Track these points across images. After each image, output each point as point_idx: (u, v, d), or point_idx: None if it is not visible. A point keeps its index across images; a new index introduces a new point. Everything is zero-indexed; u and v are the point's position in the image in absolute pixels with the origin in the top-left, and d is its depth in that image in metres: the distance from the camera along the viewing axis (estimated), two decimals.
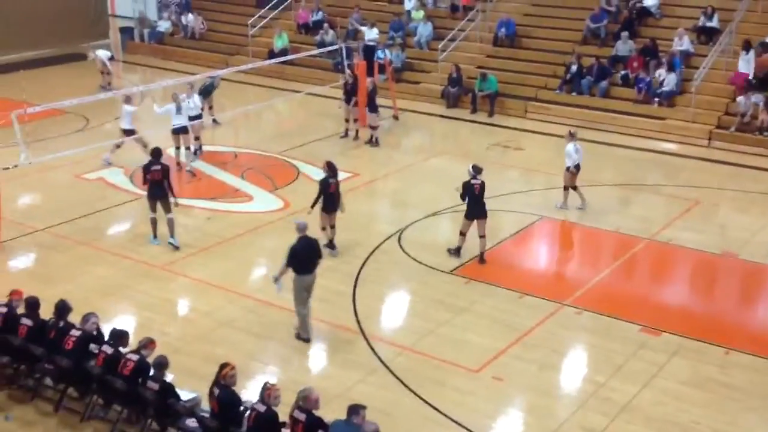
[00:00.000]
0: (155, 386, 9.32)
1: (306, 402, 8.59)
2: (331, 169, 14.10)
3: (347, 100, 20.71)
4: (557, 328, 12.27)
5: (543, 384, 11.01)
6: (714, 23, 22.82)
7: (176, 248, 14.34)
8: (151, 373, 9.45)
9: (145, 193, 14.84)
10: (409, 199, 17.15)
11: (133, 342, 10.08)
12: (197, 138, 18.84)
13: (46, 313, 10.59)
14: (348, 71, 21.19)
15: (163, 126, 18.40)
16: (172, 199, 14.34)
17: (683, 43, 22.47)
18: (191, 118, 18.24)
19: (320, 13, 27.81)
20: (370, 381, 10.93)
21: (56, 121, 21.00)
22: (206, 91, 20.34)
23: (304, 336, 11.75)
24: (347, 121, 20.76)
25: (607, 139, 20.95)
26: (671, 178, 18.70)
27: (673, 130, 21.11)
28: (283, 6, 29.10)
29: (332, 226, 14.19)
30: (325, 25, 27.00)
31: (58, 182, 17.59)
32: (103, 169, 18.18)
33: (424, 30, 25.77)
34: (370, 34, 25.05)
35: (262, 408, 8.66)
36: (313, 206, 14.04)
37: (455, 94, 23.57)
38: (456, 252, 14.28)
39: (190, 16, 29.92)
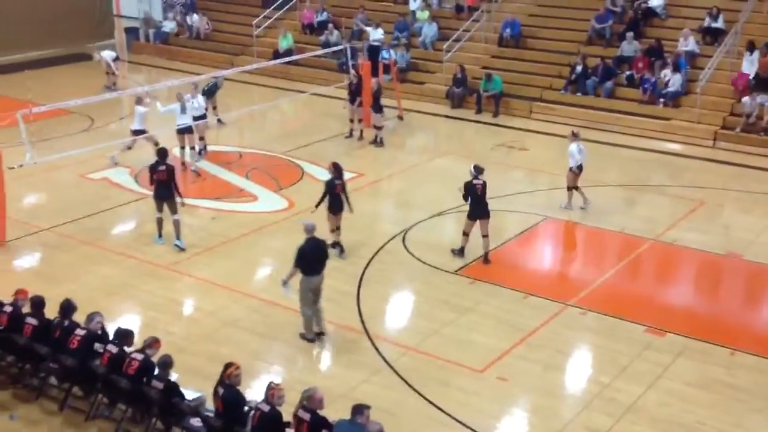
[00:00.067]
0: (160, 385, 9.33)
1: (310, 402, 8.60)
2: (337, 170, 14.09)
3: (352, 101, 20.72)
4: (562, 329, 12.25)
5: (547, 384, 10.99)
6: (719, 24, 22.79)
7: (182, 250, 14.35)
8: (156, 372, 9.46)
9: (150, 192, 14.86)
10: (413, 200, 17.15)
11: (137, 341, 10.08)
12: (202, 138, 18.87)
13: (51, 312, 10.61)
14: (352, 71, 21.20)
15: (168, 126, 18.43)
16: (178, 199, 14.35)
17: (688, 43, 22.44)
18: (195, 119, 18.27)
19: (325, 13, 27.83)
20: (374, 381, 10.93)
21: (61, 121, 21.04)
22: (209, 92, 20.36)
23: (308, 336, 11.75)
24: (352, 121, 20.77)
25: (612, 139, 20.94)
26: (676, 179, 18.67)
27: (678, 131, 21.09)
28: (288, 6, 29.14)
29: (337, 228, 14.18)
30: (330, 25, 27.02)
31: (63, 182, 17.62)
32: (108, 169, 18.20)
33: (429, 30, 25.77)
34: (375, 34, 25.09)
35: (266, 408, 8.67)
36: (317, 206, 14.03)
37: (460, 95, 23.56)
38: (460, 252, 14.27)
39: (195, 16, 29.96)
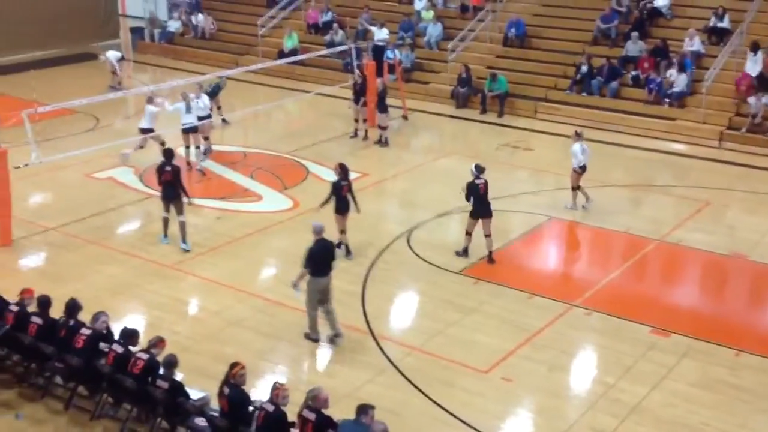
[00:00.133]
0: (165, 385, 9.34)
1: (315, 401, 8.61)
2: (343, 171, 14.08)
3: (356, 100, 20.73)
4: (567, 329, 12.25)
5: (552, 385, 10.99)
6: (725, 24, 22.75)
7: (186, 251, 14.35)
8: (161, 371, 9.48)
9: (156, 192, 14.87)
10: (418, 200, 17.14)
11: (143, 341, 10.11)
12: (206, 138, 18.88)
13: (57, 311, 10.63)
14: (357, 71, 21.21)
15: (173, 125, 18.46)
16: (185, 199, 14.37)
17: (694, 43, 22.40)
18: (200, 118, 18.29)
19: (330, 13, 27.83)
20: (378, 381, 10.93)
21: (66, 120, 21.08)
22: (212, 92, 20.35)
23: (313, 336, 11.75)
24: (356, 121, 20.77)
25: (617, 139, 20.91)
26: (681, 179, 18.65)
27: (683, 131, 21.05)
28: (293, 6, 29.18)
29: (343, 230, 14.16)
30: (335, 25, 27.03)
31: (68, 181, 17.65)
32: (113, 168, 18.21)
33: (434, 30, 25.76)
34: (380, 34, 25.08)
35: (270, 408, 8.68)
36: (322, 206, 14.03)
37: (465, 95, 23.55)
38: (464, 252, 14.27)
39: (201, 16, 29.98)
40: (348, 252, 14.08)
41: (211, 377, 9.94)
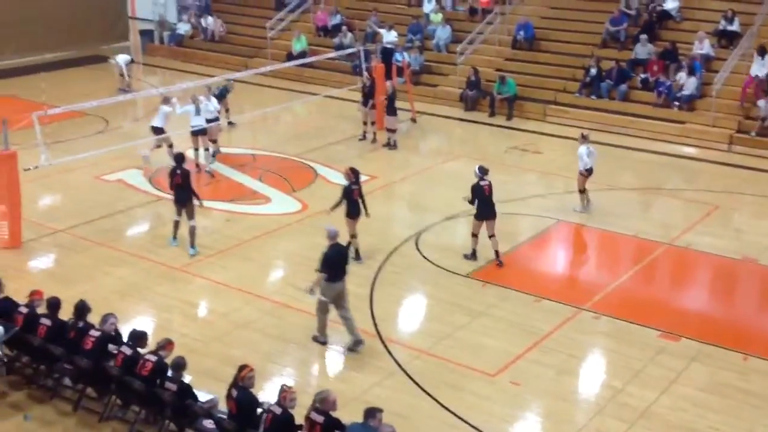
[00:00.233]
0: (173, 387, 9.36)
1: (324, 404, 8.61)
2: (354, 175, 14.07)
3: (365, 103, 20.74)
4: (575, 333, 12.22)
5: (560, 389, 10.97)
6: (735, 27, 22.69)
7: (192, 256, 14.37)
8: (169, 374, 9.50)
9: (164, 194, 14.90)
10: (426, 202, 17.13)
11: (151, 343, 10.13)
12: (215, 141, 18.92)
13: (66, 313, 10.66)
14: (366, 74, 21.23)
15: (182, 127, 18.50)
16: (196, 202, 14.40)
17: (704, 46, 22.34)
18: (208, 121, 18.33)
19: (339, 15, 27.87)
20: (386, 384, 10.93)
21: (76, 122, 21.14)
22: (220, 95, 20.38)
23: (321, 339, 11.75)
24: (365, 123, 20.79)
25: (627, 142, 20.88)
26: (690, 183, 18.60)
27: (692, 134, 21.00)
28: (302, 9, 29.22)
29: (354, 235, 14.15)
30: (344, 27, 27.06)
31: (77, 183, 17.70)
32: (123, 171, 18.26)
33: (443, 33, 25.77)
34: (389, 36, 25.10)
35: (278, 410, 8.68)
36: (332, 209, 14.02)
37: (473, 97, 23.55)
38: (472, 256, 14.26)
39: (210, 18, 30.07)
40: (358, 256, 14.08)
41: (219, 379, 9.96)
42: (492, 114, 23.05)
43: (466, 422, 10.15)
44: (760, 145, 20.20)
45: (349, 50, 24.53)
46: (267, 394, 9.88)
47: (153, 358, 9.63)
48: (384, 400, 9.98)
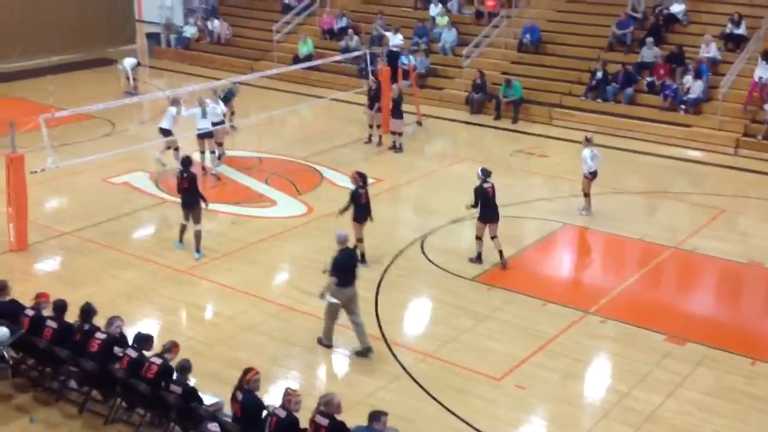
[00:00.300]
0: (178, 390, 9.37)
1: (328, 407, 8.61)
2: (362, 178, 14.07)
3: (371, 106, 20.75)
4: (581, 337, 12.20)
5: (566, 393, 10.95)
6: (741, 30, 22.64)
7: (197, 259, 14.39)
8: (175, 376, 9.51)
9: (171, 197, 14.91)
10: (431, 206, 17.13)
11: (157, 345, 10.14)
12: (220, 144, 18.96)
13: (72, 316, 10.69)
14: (372, 77, 21.24)
15: (188, 130, 18.54)
16: (203, 205, 14.42)
17: (710, 50, 22.29)
18: (214, 124, 18.37)
19: (345, 19, 27.89)
20: (391, 387, 10.92)
21: (83, 125, 21.19)
22: (225, 99, 20.41)
23: (325, 342, 11.75)
24: (371, 126, 20.79)
25: (633, 146, 20.85)
26: (697, 186, 18.56)
27: (699, 138, 20.96)
28: (308, 12, 29.25)
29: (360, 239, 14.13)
30: (350, 30, 27.08)
31: (84, 186, 17.74)
32: (129, 173, 18.29)
33: (449, 36, 25.76)
34: (395, 39, 25.12)
35: (282, 413, 8.69)
36: (341, 213, 14.02)
37: (479, 101, 23.54)
38: (477, 259, 14.25)
39: (216, 21, 30.11)
40: (363, 260, 14.05)
41: (224, 382, 9.96)
42: (498, 117, 23.04)
43: (471, 426, 10.14)
44: (766, 148, 20.13)
45: (355, 53, 24.54)
46: (272, 397, 9.88)
47: (158, 360, 9.64)
48: (389, 404, 9.97)
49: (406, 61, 23.98)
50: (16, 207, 14.53)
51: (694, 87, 21.51)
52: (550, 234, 15.73)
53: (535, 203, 17.06)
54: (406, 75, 23.15)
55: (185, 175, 14.36)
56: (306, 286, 13.34)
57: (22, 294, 11.41)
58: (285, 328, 12.29)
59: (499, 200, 14.42)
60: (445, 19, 26.34)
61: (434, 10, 26.84)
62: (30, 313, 10.74)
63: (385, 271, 14.08)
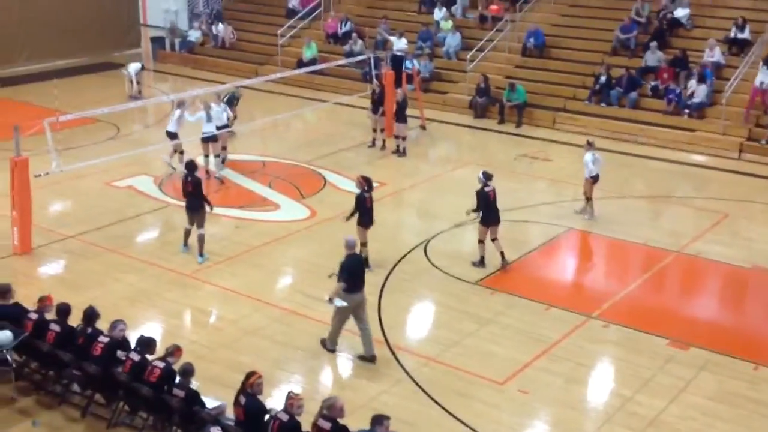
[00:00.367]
0: (181, 393, 9.38)
1: (331, 410, 8.61)
2: (367, 183, 14.08)
3: (374, 110, 20.77)
4: (584, 341, 12.18)
5: (569, 397, 10.93)
6: (745, 35, 22.63)
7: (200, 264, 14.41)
8: (177, 380, 9.52)
9: (174, 201, 14.92)
10: (435, 210, 17.12)
11: (160, 349, 10.15)
12: (224, 147, 18.98)
13: (75, 319, 10.70)
14: (376, 81, 21.27)
15: (193, 134, 18.57)
16: (208, 209, 14.44)
17: (714, 54, 22.28)
18: (218, 128, 18.39)
19: (349, 23, 27.94)
20: (394, 391, 10.92)
21: (88, 129, 21.24)
22: (228, 103, 20.43)
23: (329, 347, 11.73)
24: (375, 130, 20.81)
25: (637, 150, 20.84)
26: (700, 191, 18.55)
27: (703, 142, 20.94)
28: (312, 16, 29.30)
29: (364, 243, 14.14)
30: (354, 35, 27.12)
31: (88, 190, 17.77)
32: (133, 177, 18.33)
33: (453, 40, 25.79)
34: (399, 44, 25.15)
35: (285, 417, 8.69)
36: (348, 219, 14.02)
37: (483, 105, 23.55)
38: (480, 263, 14.25)
39: (221, 25, 30.17)
40: (367, 264, 14.03)
41: (227, 386, 9.97)
42: (501, 121, 23.04)
43: (474, 430, 10.13)
44: None
45: (359, 57, 24.59)
46: (274, 400, 9.89)
47: (161, 364, 9.65)
48: (391, 408, 9.99)
49: (410, 65, 23.99)
50: (20, 210, 14.55)
51: (698, 91, 21.50)
52: (554, 238, 15.72)
53: (538, 207, 17.05)
54: (410, 79, 23.16)
55: (190, 178, 14.40)
56: (309, 290, 13.36)
57: (26, 297, 11.43)
58: (288, 332, 12.30)
59: (502, 204, 14.43)
60: (449, 24, 26.36)
61: (438, 14, 26.87)
62: (33, 316, 10.75)
63: (389, 275, 14.08)
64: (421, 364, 11.52)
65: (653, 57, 22.86)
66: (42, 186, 15.86)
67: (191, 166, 14.65)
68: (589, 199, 16.29)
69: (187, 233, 14.66)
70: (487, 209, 14.05)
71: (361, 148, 20.76)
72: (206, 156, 18.47)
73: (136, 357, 9.87)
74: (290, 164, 19.66)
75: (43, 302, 10.94)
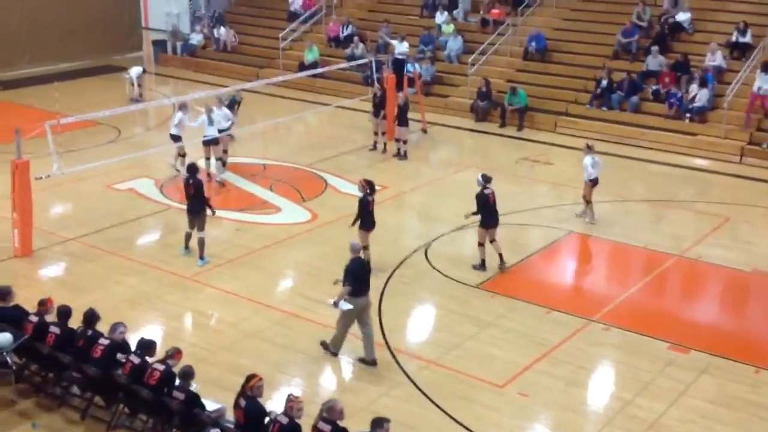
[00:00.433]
0: (181, 396, 9.37)
1: (331, 413, 8.61)
2: (369, 186, 14.07)
3: (376, 113, 20.78)
4: (584, 344, 12.17)
5: (569, 400, 10.92)
6: (747, 39, 22.64)
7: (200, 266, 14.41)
8: (177, 382, 9.51)
9: (175, 204, 14.91)
10: (436, 213, 17.12)
11: (160, 352, 10.15)
12: (225, 151, 18.99)
13: (76, 322, 10.70)
14: (377, 84, 21.28)
15: (195, 137, 18.57)
16: (209, 212, 14.45)
17: (716, 58, 22.29)
18: (220, 131, 18.41)
19: (350, 26, 27.96)
20: (394, 394, 10.91)
21: (89, 132, 21.24)
22: (229, 106, 20.44)
23: (332, 350, 11.70)
24: (376, 134, 20.82)
25: (638, 154, 20.83)
26: (702, 195, 18.54)
27: (704, 146, 20.94)
28: (314, 20, 29.34)
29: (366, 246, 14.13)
30: (356, 38, 27.15)
31: (89, 192, 17.78)
32: (134, 180, 18.34)
33: (454, 44, 25.81)
34: (401, 47, 25.16)
35: (284, 420, 8.68)
36: (353, 224, 14.01)
37: (484, 108, 23.55)
38: (481, 266, 14.25)
39: (223, 29, 30.20)
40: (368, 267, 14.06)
41: (227, 388, 9.97)
42: (503, 125, 23.04)
43: None
44: None
45: (361, 61, 24.60)
46: (274, 403, 9.87)
47: (161, 367, 9.65)
48: (392, 411, 9.97)
49: (412, 68, 24.01)
50: (21, 213, 14.57)
51: (700, 95, 21.50)
52: (555, 242, 15.72)
53: (539, 211, 17.05)
54: (411, 83, 23.18)
55: (191, 181, 14.40)
56: (310, 293, 13.37)
57: (27, 300, 11.44)
58: (288, 335, 12.29)
59: (503, 208, 14.44)
60: (451, 27, 26.39)
61: (440, 18, 26.91)
62: (34, 318, 10.75)
63: (389, 278, 14.07)
64: (422, 367, 11.52)
65: (655, 61, 22.86)
66: (43, 188, 15.87)
67: (193, 168, 14.67)
68: (588, 202, 16.29)
69: (188, 236, 14.67)
70: (487, 212, 14.07)
71: (363, 151, 20.76)
72: (207, 159, 18.48)
73: (136, 359, 9.87)
74: (291, 167, 19.67)
75: (44, 306, 10.93)
